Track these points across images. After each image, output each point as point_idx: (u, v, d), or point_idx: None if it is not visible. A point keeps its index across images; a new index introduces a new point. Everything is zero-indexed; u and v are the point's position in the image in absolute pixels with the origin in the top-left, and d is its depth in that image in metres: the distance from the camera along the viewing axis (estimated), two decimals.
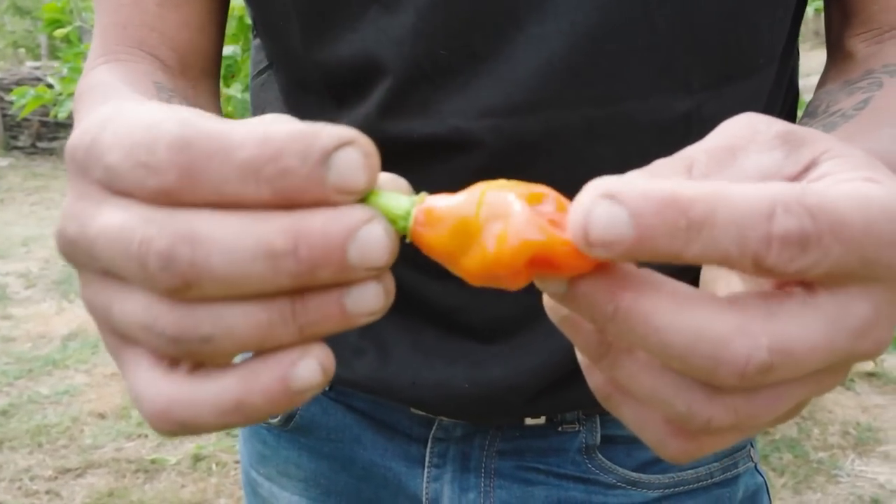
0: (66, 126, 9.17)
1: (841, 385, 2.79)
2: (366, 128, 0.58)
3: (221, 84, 2.37)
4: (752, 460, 0.71)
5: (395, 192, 0.27)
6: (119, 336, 0.29)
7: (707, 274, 0.37)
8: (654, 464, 0.66)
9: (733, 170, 0.28)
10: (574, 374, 0.61)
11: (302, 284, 0.25)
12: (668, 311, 0.25)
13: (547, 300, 0.28)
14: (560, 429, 0.65)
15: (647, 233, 0.24)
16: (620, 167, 0.31)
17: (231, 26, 2.43)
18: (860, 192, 0.25)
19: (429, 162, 0.54)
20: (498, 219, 0.26)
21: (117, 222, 0.26)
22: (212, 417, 0.27)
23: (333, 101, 0.58)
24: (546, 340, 0.59)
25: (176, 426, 0.27)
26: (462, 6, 0.52)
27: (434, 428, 0.66)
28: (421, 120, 0.54)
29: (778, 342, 0.24)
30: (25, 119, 8.70)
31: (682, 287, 0.26)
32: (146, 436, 2.96)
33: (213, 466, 2.77)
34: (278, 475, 0.73)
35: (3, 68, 10.75)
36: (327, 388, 0.69)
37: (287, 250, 0.24)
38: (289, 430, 0.71)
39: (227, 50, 2.44)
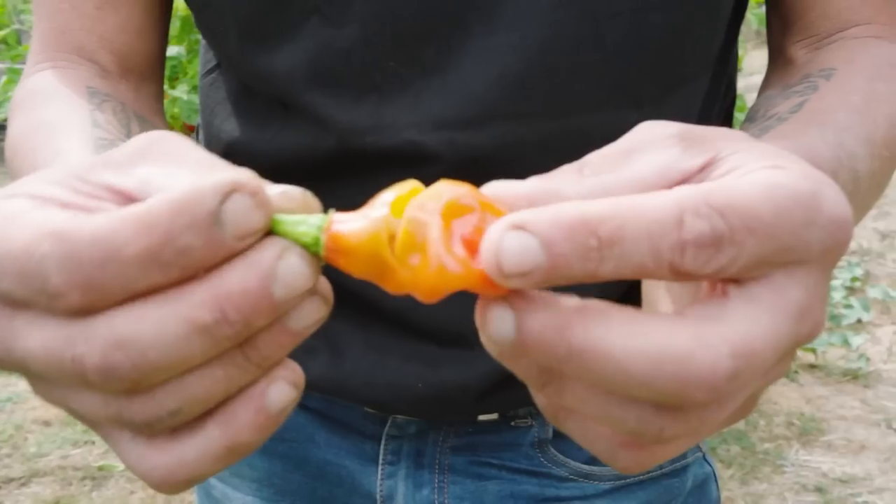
0: (3, 128, 8.91)
1: (785, 377, 2.86)
2: (319, 141, 0.58)
3: (167, 85, 2.34)
4: (701, 450, 0.72)
5: (299, 216, 0.26)
6: (90, 421, 0.29)
7: (648, 295, 0.37)
8: None
9: (627, 169, 0.29)
10: None
11: (243, 338, 0.25)
12: (622, 338, 0.24)
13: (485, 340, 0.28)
14: (513, 423, 0.66)
15: (560, 258, 0.23)
16: None
17: (175, 27, 2.40)
18: (765, 180, 0.25)
19: (384, 175, 0.54)
20: (414, 250, 0.25)
21: (40, 344, 0.26)
22: (211, 467, 0.27)
23: (280, 108, 0.57)
24: None
25: (183, 485, 0.28)
26: (409, 18, 0.52)
27: (388, 425, 0.66)
28: (374, 134, 0.54)
29: (737, 346, 0.24)
30: None
31: (629, 311, 0.25)
32: (93, 442, 2.90)
33: None
34: (231, 476, 0.72)
35: None
36: None
37: (217, 320, 0.24)
38: None
39: (172, 51, 2.41)
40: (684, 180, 0.28)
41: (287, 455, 0.69)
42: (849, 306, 3.24)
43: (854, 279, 3.49)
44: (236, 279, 0.24)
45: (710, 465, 0.74)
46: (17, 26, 2.87)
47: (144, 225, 0.24)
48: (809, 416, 2.75)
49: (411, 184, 0.27)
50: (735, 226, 0.24)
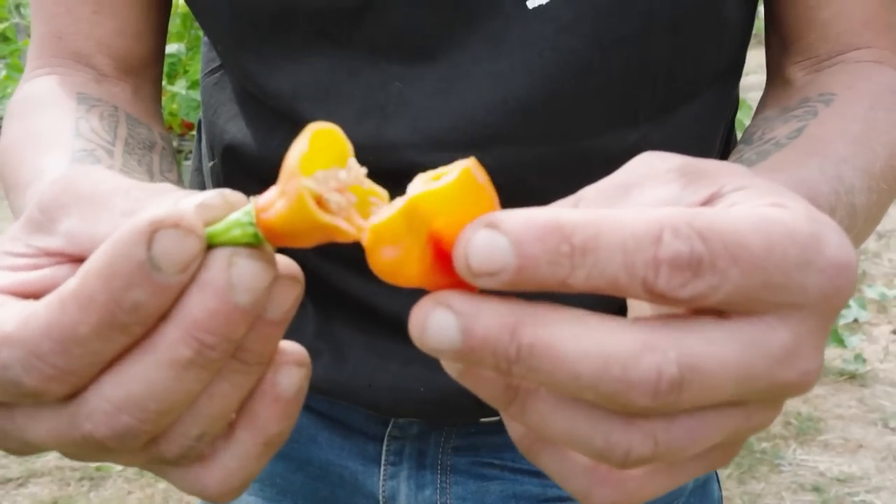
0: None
1: None
2: None
3: (165, 81, 2.33)
4: None
5: (228, 220, 0.25)
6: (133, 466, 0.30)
7: (632, 313, 0.36)
8: None
9: (626, 205, 0.28)
10: None
11: (231, 351, 0.25)
12: (571, 338, 0.23)
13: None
14: None
15: (529, 260, 0.23)
16: None
17: (175, 24, 2.40)
18: (761, 214, 0.24)
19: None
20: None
21: (48, 433, 0.26)
22: (256, 466, 0.28)
23: (286, 121, 0.57)
24: None
25: (239, 490, 0.29)
26: (416, 40, 0.52)
27: (390, 426, 0.66)
28: (375, 153, 0.54)
29: (687, 356, 0.23)
30: None
31: (581, 312, 0.24)
32: None
33: None
34: None
35: None
36: None
37: (197, 350, 0.24)
38: None
39: (171, 48, 2.41)
40: None
41: (289, 455, 0.69)
42: (846, 306, 3.24)
43: None
44: (198, 306, 0.24)
45: None
46: (16, 20, 2.86)
47: (85, 300, 0.24)
48: (807, 415, 2.75)
49: (306, 134, 0.26)
50: (716, 252, 0.23)
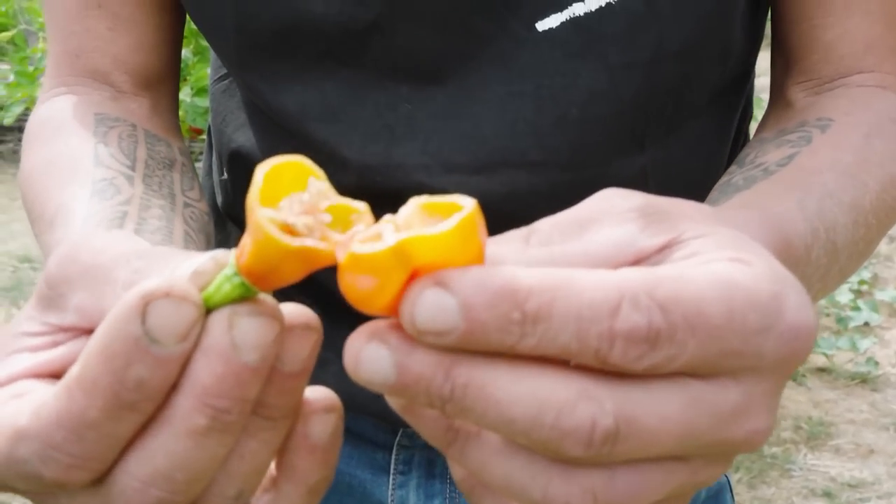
0: (10, 130, 8.95)
1: (793, 381, 2.85)
2: (338, 176, 0.57)
3: None
4: None
5: (218, 279, 0.25)
6: None
7: None
8: None
9: (580, 242, 0.27)
10: None
11: (249, 411, 0.25)
12: (506, 381, 0.23)
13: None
14: None
15: (477, 325, 0.22)
16: None
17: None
18: (723, 277, 0.23)
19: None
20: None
21: None
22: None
23: (295, 136, 0.57)
24: None
25: None
26: (426, 61, 0.51)
27: (399, 435, 0.66)
28: (384, 174, 0.54)
29: (624, 409, 0.23)
30: None
31: (521, 360, 0.23)
32: None
33: None
34: None
35: None
36: None
37: (212, 416, 0.24)
38: None
39: None
40: (639, 261, 0.26)
41: None
42: (856, 309, 3.23)
43: (862, 282, 3.48)
44: (205, 372, 0.24)
45: (724, 475, 0.73)
46: (23, 27, 2.87)
47: (89, 385, 0.23)
48: (817, 419, 2.74)
49: (259, 171, 0.25)
50: (676, 324, 0.22)
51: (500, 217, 0.55)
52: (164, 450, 0.24)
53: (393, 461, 0.66)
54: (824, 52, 0.55)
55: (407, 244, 0.23)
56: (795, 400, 2.88)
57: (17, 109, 2.82)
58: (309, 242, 0.24)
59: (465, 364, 0.23)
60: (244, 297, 0.24)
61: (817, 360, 3.02)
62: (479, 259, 0.24)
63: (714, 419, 0.24)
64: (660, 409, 0.23)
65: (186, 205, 0.51)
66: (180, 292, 0.23)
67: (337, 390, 0.61)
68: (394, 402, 0.27)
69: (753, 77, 0.64)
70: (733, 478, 2.50)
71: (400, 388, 0.23)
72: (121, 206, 0.45)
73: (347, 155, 0.54)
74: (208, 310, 0.24)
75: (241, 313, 0.24)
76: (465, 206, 0.23)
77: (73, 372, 0.24)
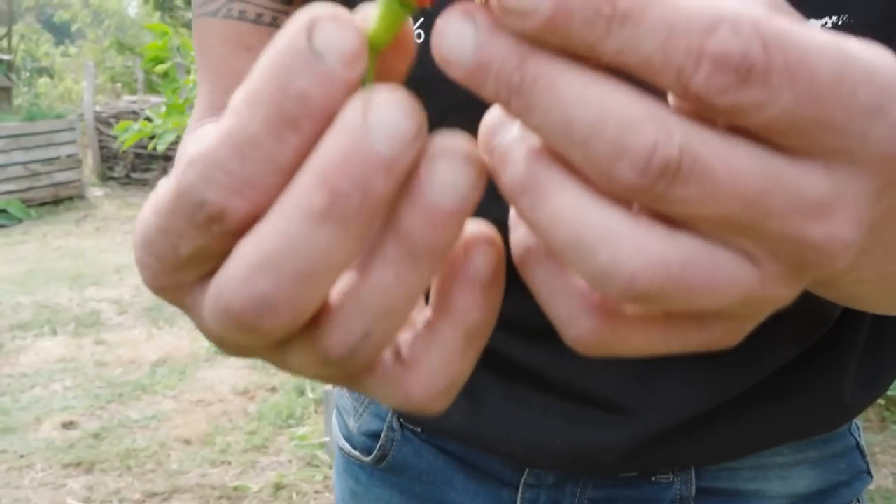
0: (158, 158, 9.49)
1: None
2: None
3: None
4: None
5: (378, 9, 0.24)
6: (323, 378, 0.28)
7: None
8: None
9: None
10: (670, 433, 0.60)
11: (373, 214, 0.23)
12: (576, 84, 0.21)
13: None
14: (654, 479, 0.64)
15: (563, 12, 0.20)
16: None
17: None
18: (842, 44, 0.21)
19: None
20: None
21: (208, 309, 0.25)
22: (459, 365, 0.26)
23: None
24: (641, 409, 0.59)
25: (444, 396, 0.27)
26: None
27: (525, 474, 0.66)
28: None
29: (692, 145, 0.20)
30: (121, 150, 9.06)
31: (598, 69, 0.22)
32: (229, 463, 3.01)
33: (294, 496, 2.80)
34: None
35: (102, 102, 11.22)
36: (419, 430, 0.70)
37: (331, 196, 0.22)
38: (382, 468, 0.72)
39: None
40: None
41: (423, 496, 0.70)
42: None
43: None
44: (331, 147, 0.22)
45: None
46: (177, 60, 3.05)
47: (254, 98, 0.23)
48: None
49: None
50: (774, 63, 0.20)
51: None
52: (279, 230, 0.22)
53: (519, 499, 0.67)
54: None
55: None
56: None
57: (170, 137, 3.00)
58: None
59: (540, 58, 0.22)
60: (402, 19, 0.24)
61: None
62: None
63: (790, 201, 0.21)
64: (732, 161, 0.21)
65: None
66: (345, 18, 0.23)
67: (463, 427, 0.63)
68: (446, 68, 0.23)
69: None
70: None
71: (474, 68, 0.22)
72: None
73: None
74: (372, 51, 0.24)
75: (380, 93, 0.23)
76: None
77: (240, 92, 0.24)
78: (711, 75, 0.20)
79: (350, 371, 0.26)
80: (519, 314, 0.61)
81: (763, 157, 0.21)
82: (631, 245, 0.21)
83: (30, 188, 8.35)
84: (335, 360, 0.25)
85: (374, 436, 0.73)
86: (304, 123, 0.23)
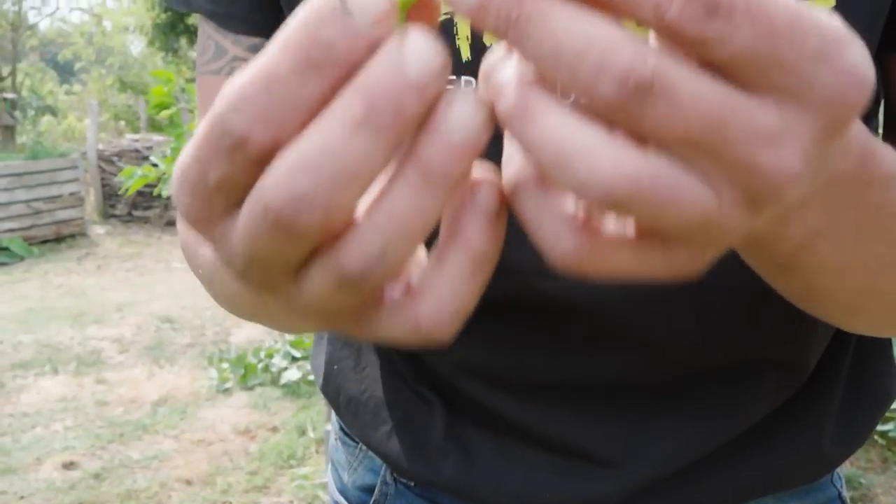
0: (159, 197, 9.49)
1: None
2: None
3: None
4: None
5: None
6: (328, 316, 0.31)
7: None
8: None
9: None
10: (657, 485, 0.62)
11: (402, 133, 0.26)
12: (567, 18, 0.24)
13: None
14: None
15: None
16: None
17: None
18: (801, 3, 0.24)
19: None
20: None
21: (244, 221, 0.27)
22: (466, 290, 0.28)
23: None
24: (627, 462, 0.61)
25: (450, 323, 0.29)
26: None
27: None
28: None
29: (664, 70, 0.24)
30: None
31: (584, 5, 0.25)
32: (230, 503, 3.01)
33: None
34: None
35: (105, 140, 11.28)
36: (412, 484, 0.72)
37: (367, 109, 0.25)
38: None
39: None
40: None
41: None
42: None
43: None
44: (372, 69, 0.25)
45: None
46: (182, 105, 3.09)
47: (284, 43, 0.26)
48: None
49: None
50: (737, 4, 0.23)
51: (574, 314, 0.56)
52: (319, 136, 0.25)
53: None
54: None
55: None
56: None
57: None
58: None
59: None
60: None
61: None
62: None
63: (745, 131, 0.24)
64: (697, 88, 0.24)
65: None
66: None
67: (456, 481, 0.65)
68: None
69: None
70: None
71: (478, 7, 0.25)
72: None
73: None
74: (402, 8, 0.27)
75: (416, 30, 0.26)
76: None
77: (273, 39, 0.26)
78: (684, 8, 0.23)
79: (362, 297, 0.28)
80: (509, 372, 0.63)
81: (724, 89, 0.24)
82: (607, 159, 0.25)
83: (32, 226, 8.38)
84: (351, 279, 0.27)
85: (369, 490, 0.74)
86: (327, 69, 0.26)
